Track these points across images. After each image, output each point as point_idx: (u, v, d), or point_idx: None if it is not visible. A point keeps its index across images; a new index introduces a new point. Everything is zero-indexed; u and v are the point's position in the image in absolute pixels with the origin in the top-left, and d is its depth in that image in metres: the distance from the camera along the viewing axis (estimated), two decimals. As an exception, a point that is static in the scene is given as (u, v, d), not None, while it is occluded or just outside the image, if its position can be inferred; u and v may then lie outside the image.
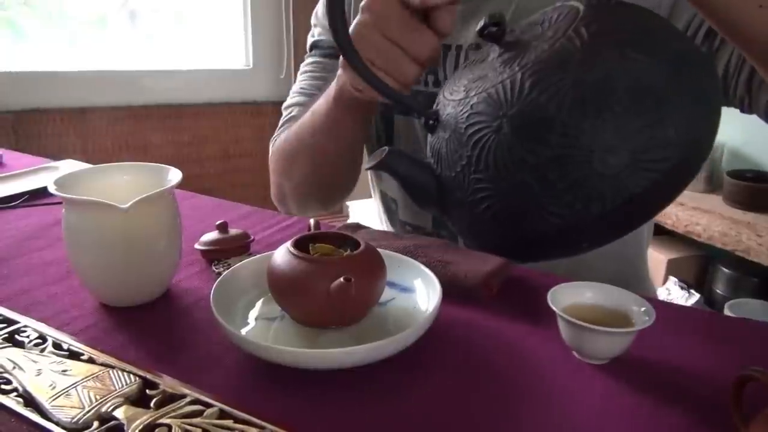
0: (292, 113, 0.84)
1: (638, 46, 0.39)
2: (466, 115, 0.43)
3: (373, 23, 0.53)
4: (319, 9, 0.85)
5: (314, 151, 0.74)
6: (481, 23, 0.46)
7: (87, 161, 1.00)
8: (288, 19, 2.51)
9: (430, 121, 0.48)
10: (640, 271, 0.84)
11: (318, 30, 0.85)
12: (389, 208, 0.89)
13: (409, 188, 0.48)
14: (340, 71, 0.58)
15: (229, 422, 0.37)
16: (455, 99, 0.45)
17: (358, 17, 0.55)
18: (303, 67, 0.87)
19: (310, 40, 0.87)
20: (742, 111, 0.59)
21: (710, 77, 0.42)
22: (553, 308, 0.45)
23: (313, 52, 0.85)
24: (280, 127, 0.85)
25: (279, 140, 0.82)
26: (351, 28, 0.55)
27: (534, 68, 0.40)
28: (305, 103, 0.83)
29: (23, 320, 0.49)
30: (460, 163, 0.43)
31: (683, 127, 0.38)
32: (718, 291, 1.98)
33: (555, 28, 0.43)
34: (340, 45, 0.49)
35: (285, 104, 0.87)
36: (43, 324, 0.49)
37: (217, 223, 0.65)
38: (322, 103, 0.70)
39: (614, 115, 0.38)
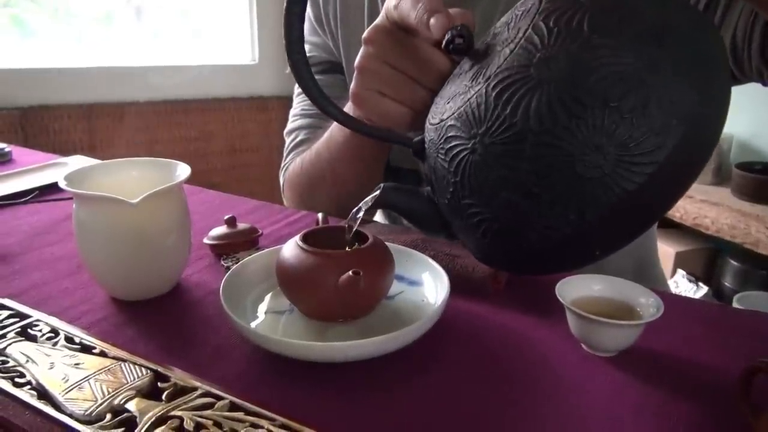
0: (299, 137, 0.82)
1: (603, 29, 0.36)
2: (444, 139, 0.41)
3: (375, 54, 0.53)
4: (306, 25, 0.84)
5: (335, 181, 0.72)
6: (446, 38, 0.45)
7: (94, 157, 1.01)
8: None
9: (420, 151, 0.46)
10: (650, 258, 0.84)
11: (308, 47, 0.84)
12: (390, 214, 0.89)
13: (412, 220, 0.47)
14: (350, 104, 0.58)
15: (240, 414, 0.37)
16: (434, 124, 0.43)
17: (360, 50, 0.54)
18: (297, 89, 0.85)
19: None
20: (764, 84, 0.55)
21: (704, 39, 0.37)
22: (562, 301, 0.46)
23: None
24: (287, 155, 0.84)
25: (291, 171, 0.80)
26: (356, 62, 0.55)
27: (497, 79, 0.38)
28: (310, 125, 0.82)
29: (35, 314, 0.50)
30: (449, 190, 0.41)
31: (671, 105, 0.34)
32: (726, 284, 1.98)
33: (517, 28, 0.40)
34: (303, 87, 0.48)
35: (287, 129, 0.85)
36: (55, 318, 0.49)
37: (226, 217, 0.65)
38: (337, 132, 0.68)
39: (586, 112, 0.34)
